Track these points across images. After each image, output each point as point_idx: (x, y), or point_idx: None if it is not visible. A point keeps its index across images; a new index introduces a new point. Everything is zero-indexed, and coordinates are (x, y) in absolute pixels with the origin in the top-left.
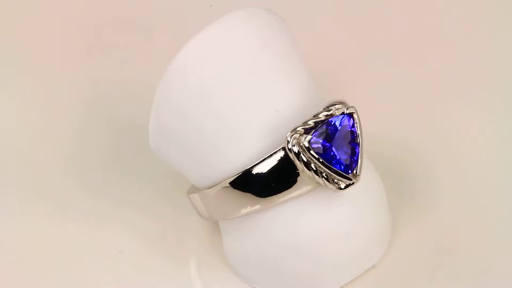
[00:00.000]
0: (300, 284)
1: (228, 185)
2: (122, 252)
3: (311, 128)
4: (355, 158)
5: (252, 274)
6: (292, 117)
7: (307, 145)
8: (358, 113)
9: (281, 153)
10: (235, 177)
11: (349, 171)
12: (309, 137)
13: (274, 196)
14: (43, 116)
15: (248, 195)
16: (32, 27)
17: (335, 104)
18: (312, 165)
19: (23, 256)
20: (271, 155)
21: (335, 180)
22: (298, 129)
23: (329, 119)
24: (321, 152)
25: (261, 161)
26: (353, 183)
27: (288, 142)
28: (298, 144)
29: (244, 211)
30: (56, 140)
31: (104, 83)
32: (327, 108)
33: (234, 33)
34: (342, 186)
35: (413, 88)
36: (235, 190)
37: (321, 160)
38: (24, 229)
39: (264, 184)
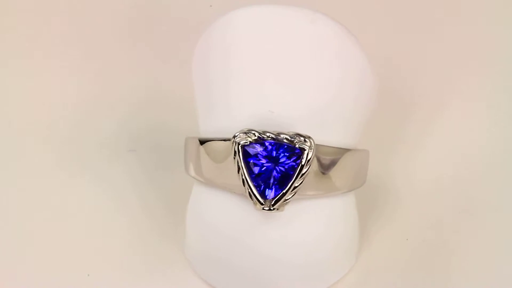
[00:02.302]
0: (209, 264)
1: (199, 145)
2: None
3: (265, 140)
4: (278, 190)
5: (187, 246)
6: (284, 124)
7: (240, 149)
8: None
9: (230, 144)
10: (203, 139)
11: (266, 198)
12: (248, 141)
13: (214, 177)
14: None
15: (205, 163)
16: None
17: (304, 137)
18: (241, 171)
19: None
20: (223, 139)
21: (253, 197)
22: (254, 132)
23: (285, 144)
24: (256, 165)
25: (215, 139)
26: (267, 210)
27: (235, 136)
28: (239, 144)
29: (200, 175)
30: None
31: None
32: (293, 135)
33: (280, 21)
34: (256, 206)
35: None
36: (201, 153)
37: (245, 170)
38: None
39: (211, 161)
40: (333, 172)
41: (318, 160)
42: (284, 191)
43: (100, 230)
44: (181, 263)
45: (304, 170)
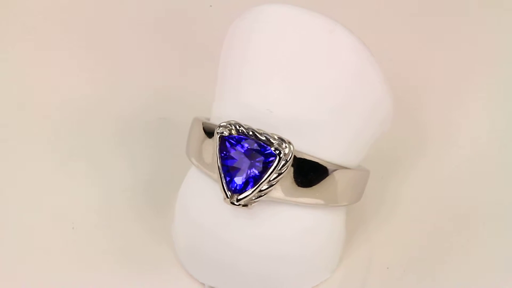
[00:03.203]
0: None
1: (201, 128)
2: None
3: (248, 136)
4: (247, 187)
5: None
6: (278, 125)
7: (218, 140)
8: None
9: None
10: (205, 124)
11: (234, 193)
12: (229, 133)
13: (208, 163)
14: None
15: (203, 148)
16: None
17: (285, 142)
18: (216, 160)
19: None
20: (211, 132)
21: (221, 189)
22: (238, 126)
23: (264, 144)
24: (233, 158)
25: (212, 126)
26: (234, 204)
27: (219, 126)
28: (218, 134)
29: (198, 159)
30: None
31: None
32: (276, 137)
33: (302, 25)
34: (223, 198)
35: None
36: (201, 137)
37: (219, 161)
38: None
39: (207, 147)
40: (318, 185)
41: (302, 168)
42: (252, 189)
43: (93, 228)
44: (171, 261)
45: (276, 173)
